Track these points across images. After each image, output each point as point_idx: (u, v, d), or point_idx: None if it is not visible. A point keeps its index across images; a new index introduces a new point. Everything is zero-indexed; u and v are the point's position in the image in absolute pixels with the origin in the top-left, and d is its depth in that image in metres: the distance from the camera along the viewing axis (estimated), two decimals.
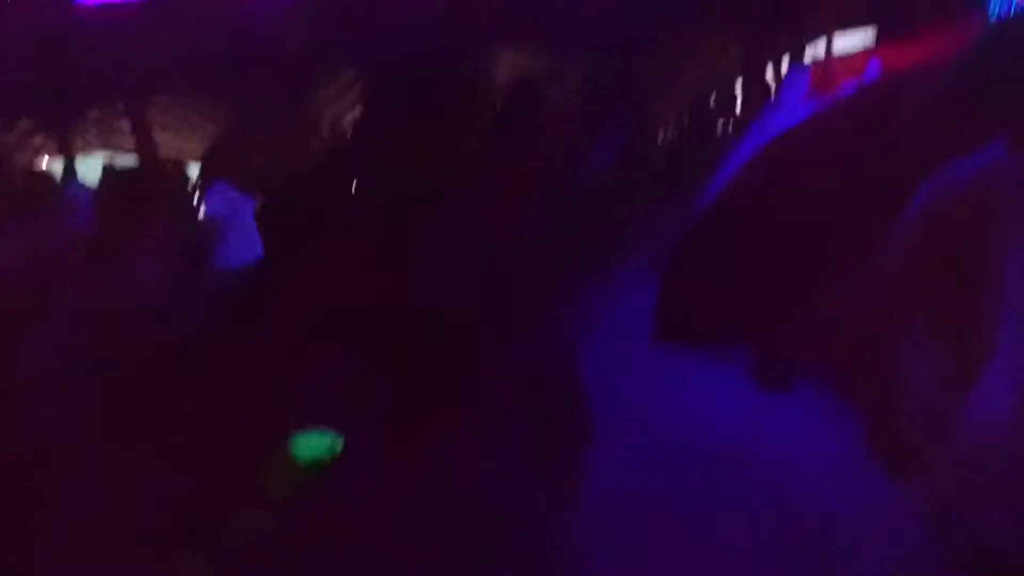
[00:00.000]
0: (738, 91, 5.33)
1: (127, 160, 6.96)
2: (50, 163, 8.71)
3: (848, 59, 4.10)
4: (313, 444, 3.83)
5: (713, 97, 5.44)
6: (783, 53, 5.03)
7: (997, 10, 3.42)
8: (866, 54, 3.85)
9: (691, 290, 3.86)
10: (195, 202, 4.44)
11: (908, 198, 2.00)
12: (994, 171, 2.06)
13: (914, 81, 2.84)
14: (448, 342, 1.55)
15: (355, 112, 5.11)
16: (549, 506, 1.79)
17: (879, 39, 4.02)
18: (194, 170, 4.80)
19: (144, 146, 6.67)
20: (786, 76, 4.91)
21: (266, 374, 4.82)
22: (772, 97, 4.84)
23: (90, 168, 7.31)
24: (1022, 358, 1.52)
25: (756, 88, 5.15)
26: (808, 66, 4.66)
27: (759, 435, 3.09)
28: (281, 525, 3.40)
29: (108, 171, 6.02)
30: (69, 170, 8.25)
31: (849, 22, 4.32)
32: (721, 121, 5.36)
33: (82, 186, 6.63)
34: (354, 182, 3.44)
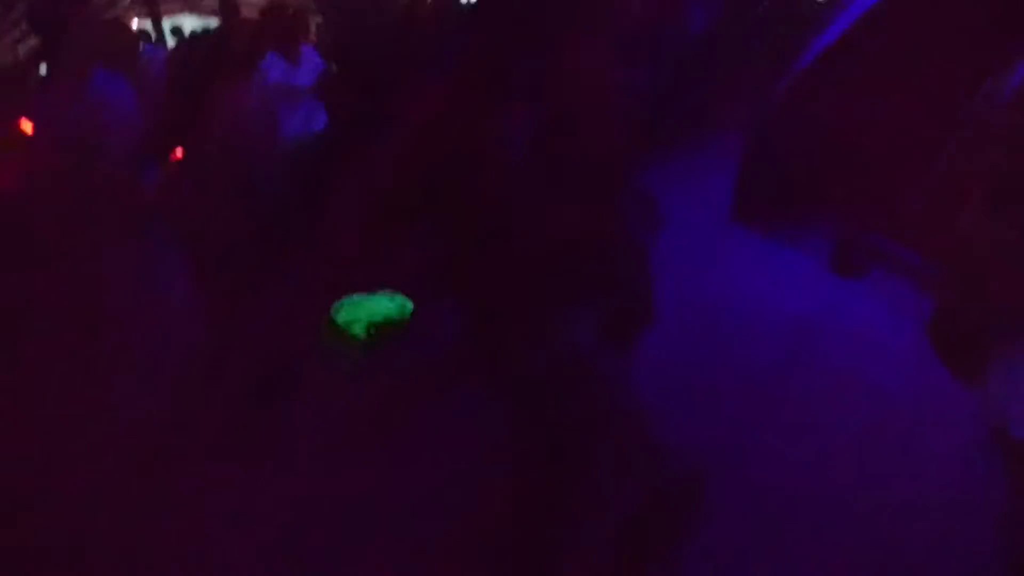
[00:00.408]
0: None
1: (206, 23, 6.99)
2: (137, 23, 8.81)
3: None
4: (384, 306, 3.96)
5: None
6: None
7: None
8: None
9: (773, 170, 3.73)
10: (266, 68, 4.44)
11: (1008, 74, 1.85)
12: None
13: None
14: (519, 210, 1.52)
15: None
16: (614, 378, 1.81)
17: None
18: (267, 37, 4.77)
19: (222, 12, 6.66)
20: None
21: (338, 235, 4.95)
22: None
23: (171, 29, 7.40)
24: None
25: None
26: None
27: (827, 318, 3.05)
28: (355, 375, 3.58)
29: (187, 33, 6.08)
30: (151, 30, 8.35)
31: None
32: None
33: (161, 45, 6.74)
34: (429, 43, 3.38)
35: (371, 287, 4.09)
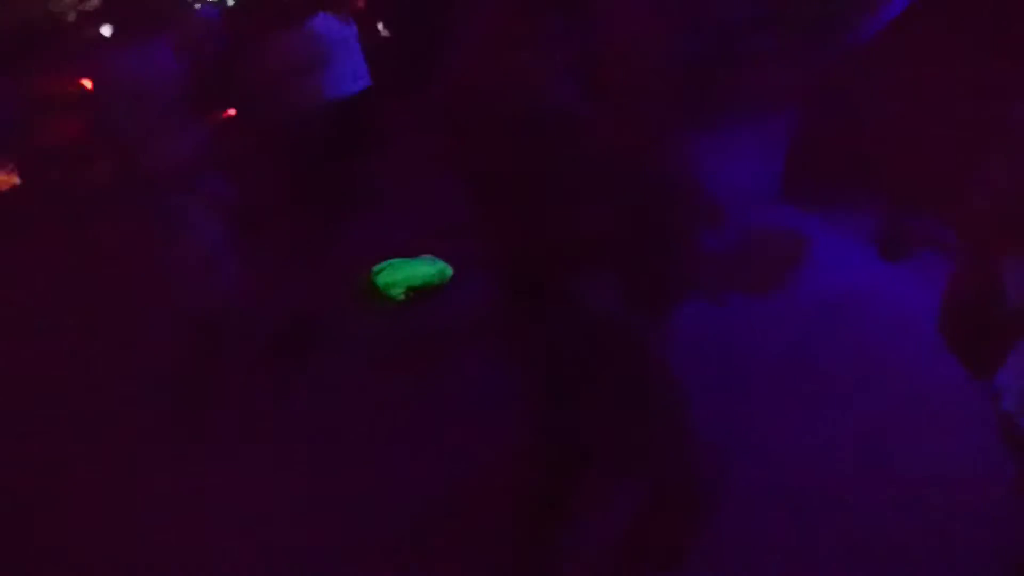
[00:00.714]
0: None
1: None
2: None
3: None
4: (423, 270, 4.02)
5: None
6: None
7: None
8: None
9: (825, 148, 3.65)
10: (316, 24, 4.48)
11: None
12: None
13: None
14: (560, 171, 1.50)
15: None
16: (647, 345, 1.79)
17: None
18: None
19: None
20: None
21: (382, 192, 5.03)
22: None
23: None
24: None
25: None
26: None
27: (869, 300, 2.99)
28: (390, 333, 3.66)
29: None
30: None
31: None
32: None
33: (219, 5, 6.83)
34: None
35: (412, 251, 4.15)
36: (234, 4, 6.12)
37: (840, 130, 3.49)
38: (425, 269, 4.03)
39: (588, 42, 1.58)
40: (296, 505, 2.50)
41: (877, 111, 3.26)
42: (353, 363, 3.36)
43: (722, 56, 4.66)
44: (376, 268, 4.07)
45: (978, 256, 1.28)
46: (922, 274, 3.04)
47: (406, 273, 4.03)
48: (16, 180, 4.73)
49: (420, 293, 3.92)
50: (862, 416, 2.32)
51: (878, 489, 2.03)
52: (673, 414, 1.69)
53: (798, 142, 3.87)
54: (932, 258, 3.05)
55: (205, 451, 2.87)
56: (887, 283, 3.05)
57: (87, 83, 3.71)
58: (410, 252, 4.10)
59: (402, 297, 3.93)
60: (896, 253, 3.22)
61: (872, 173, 3.36)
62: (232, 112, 4.16)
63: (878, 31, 3.30)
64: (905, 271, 3.10)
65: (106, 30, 4.74)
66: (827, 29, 4.15)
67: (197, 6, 6.37)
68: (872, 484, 2.05)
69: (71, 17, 5.89)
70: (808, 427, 2.31)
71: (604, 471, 1.70)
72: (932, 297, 2.71)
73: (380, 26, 6.21)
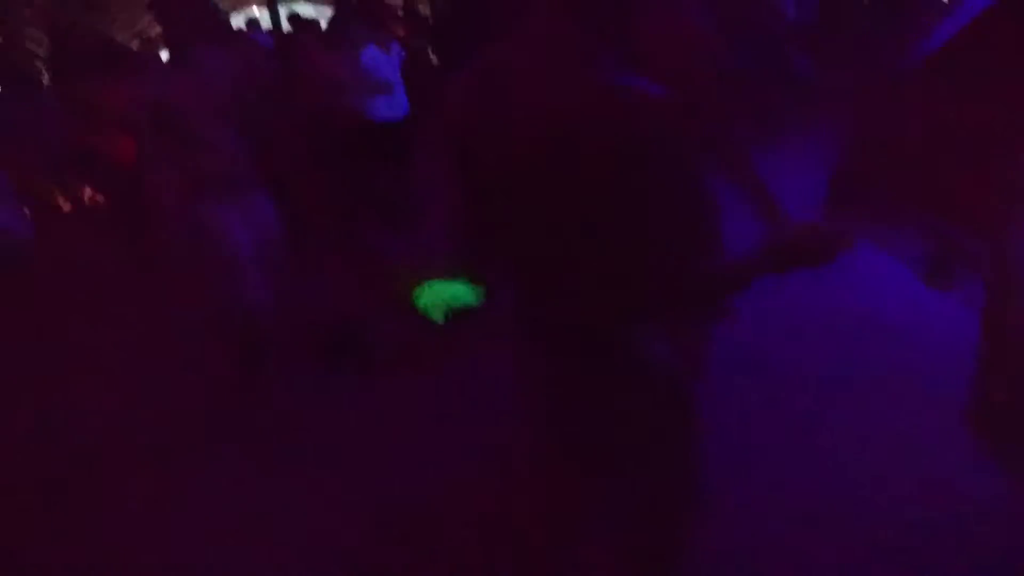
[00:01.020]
0: None
1: (321, 11, 7.24)
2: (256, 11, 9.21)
3: None
4: (465, 293, 4.01)
5: None
6: None
7: None
8: None
9: (873, 167, 3.56)
10: (362, 52, 4.62)
11: None
12: None
13: None
14: (593, 183, 1.47)
15: None
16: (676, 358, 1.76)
17: None
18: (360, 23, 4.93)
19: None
20: None
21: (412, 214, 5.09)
22: None
23: (288, 16, 7.73)
24: None
25: None
26: None
27: (907, 322, 2.90)
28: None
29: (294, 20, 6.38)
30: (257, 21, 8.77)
31: None
32: None
33: (277, 32, 7.10)
34: None
35: (453, 272, 4.15)
36: (288, 32, 6.34)
37: (889, 150, 3.41)
38: (465, 292, 4.03)
39: (633, 44, 1.56)
40: (300, 506, 2.53)
41: (927, 132, 3.17)
42: (377, 372, 3.40)
43: (771, 70, 4.62)
44: (417, 290, 4.08)
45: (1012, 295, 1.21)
46: (962, 299, 2.95)
47: (447, 295, 4.02)
48: (70, 202, 4.93)
49: (460, 316, 3.93)
50: (873, 428, 2.28)
51: (885, 499, 1.98)
52: (682, 420, 1.65)
53: (845, 159, 3.79)
54: (973, 284, 2.95)
55: (215, 450, 2.93)
56: (926, 306, 2.97)
57: (144, 104, 3.84)
58: (449, 272, 4.12)
59: (442, 320, 3.94)
60: (939, 278, 3.12)
61: (920, 195, 3.27)
62: (280, 132, 4.28)
63: (930, 53, 3.22)
64: (946, 296, 3.01)
65: (164, 55, 4.94)
66: (879, 49, 4.08)
67: (252, 33, 6.60)
68: (879, 493, 2.01)
69: (135, 45, 6.14)
70: (814, 438, 2.28)
71: (607, 475, 1.67)
72: (966, 321, 2.65)
73: (430, 51, 6.36)
